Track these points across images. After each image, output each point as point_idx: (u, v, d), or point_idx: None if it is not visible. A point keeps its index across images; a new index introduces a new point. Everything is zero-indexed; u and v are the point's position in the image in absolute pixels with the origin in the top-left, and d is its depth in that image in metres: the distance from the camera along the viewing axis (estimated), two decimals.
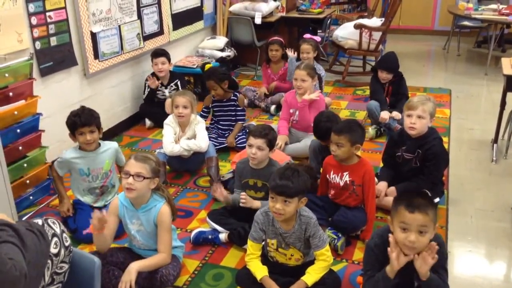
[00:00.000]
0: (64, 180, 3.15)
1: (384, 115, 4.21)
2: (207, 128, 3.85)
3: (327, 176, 2.95)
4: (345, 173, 2.86)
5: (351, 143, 2.79)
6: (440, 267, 2.02)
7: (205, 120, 4.22)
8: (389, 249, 1.98)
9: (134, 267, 2.28)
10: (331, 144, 2.85)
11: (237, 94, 4.22)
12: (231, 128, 4.19)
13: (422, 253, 1.94)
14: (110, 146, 3.11)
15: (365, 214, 2.87)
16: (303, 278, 2.31)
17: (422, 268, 1.94)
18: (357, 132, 2.84)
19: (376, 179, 3.26)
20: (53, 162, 3.15)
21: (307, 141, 3.79)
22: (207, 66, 4.26)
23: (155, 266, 2.37)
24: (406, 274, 1.99)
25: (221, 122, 4.21)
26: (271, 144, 2.82)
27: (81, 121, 2.90)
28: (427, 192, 2.08)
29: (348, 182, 2.86)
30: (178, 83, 4.65)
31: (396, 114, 4.18)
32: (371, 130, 4.32)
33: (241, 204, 2.83)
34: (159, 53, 4.55)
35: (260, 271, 2.35)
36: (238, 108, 4.19)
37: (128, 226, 2.48)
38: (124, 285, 2.21)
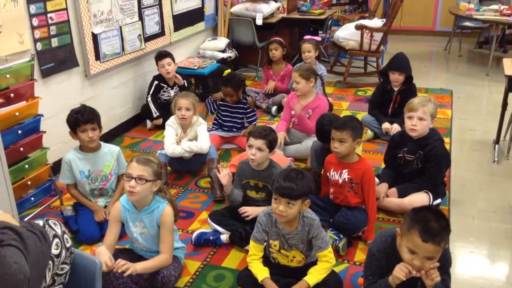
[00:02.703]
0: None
1: (386, 126, 4.17)
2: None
3: (328, 174, 2.95)
4: (344, 171, 2.87)
5: (353, 138, 2.80)
6: (444, 273, 2.01)
7: (214, 113, 4.28)
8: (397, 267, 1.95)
9: (135, 269, 2.27)
10: (333, 141, 2.86)
11: (246, 97, 4.24)
12: (234, 128, 4.19)
13: (435, 271, 1.91)
14: (111, 148, 3.11)
15: (366, 214, 2.86)
16: (305, 278, 2.31)
17: (429, 282, 1.93)
18: (358, 127, 2.86)
19: (377, 180, 3.26)
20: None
21: (308, 142, 3.79)
22: (226, 72, 4.29)
23: (156, 268, 2.37)
24: (408, 281, 1.98)
25: (226, 124, 4.20)
26: (271, 146, 2.81)
27: (83, 118, 2.90)
28: (441, 211, 1.94)
29: (346, 179, 2.86)
30: (185, 83, 4.65)
31: (396, 128, 4.07)
32: (370, 131, 4.31)
33: (246, 219, 2.83)
34: (163, 54, 4.54)
35: (261, 272, 2.34)
36: (248, 110, 4.22)
37: (130, 228, 2.47)
38: (124, 265, 2.19)
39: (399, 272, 1.93)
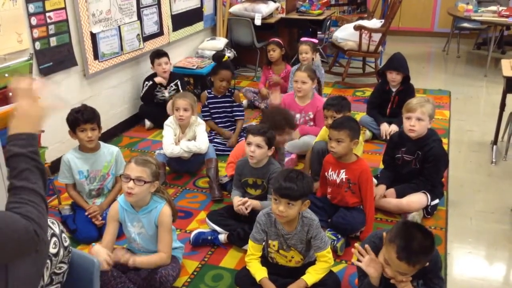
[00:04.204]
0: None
1: (385, 127, 4.17)
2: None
3: (326, 173, 2.96)
4: (342, 171, 2.87)
5: (350, 138, 2.81)
6: (435, 277, 2.02)
7: (208, 120, 4.18)
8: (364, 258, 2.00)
9: (136, 260, 2.29)
10: (330, 141, 2.86)
11: (232, 90, 4.24)
12: (228, 125, 4.19)
13: (401, 285, 1.94)
14: (110, 148, 3.10)
15: (364, 215, 2.87)
16: (303, 277, 2.31)
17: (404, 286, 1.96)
18: (355, 128, 2.86)
19: (375, 181, 3.26)
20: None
21: (306, 138, 3.79)
22: (226, 57, 4.33)
23: (154, 265, 2.37)
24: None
25: (216, 121, 4.19)
26: (270, 143, 2.81)
27: (83, 117, 2.90)
28: (432, 233, 1.94)
29: (344, 179, 2.87)
30: (178, 83, 4.65)
31: (394, 128, 4.08)
32: (368, 132, 4.32)
33: (246, 213, 2.79)
34: (161, 53, 4.55)
35: (259, 272, 2.34)
36: (234, 104, 4.19)
37: (128, 228, 2.47)
38: (123, 256, 2.21)
39: (373, 272, 1.98)
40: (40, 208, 1.39)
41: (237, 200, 2.86)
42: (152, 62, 4.55)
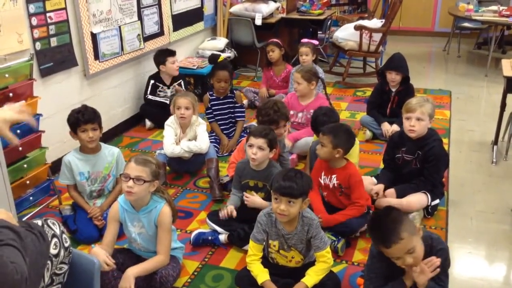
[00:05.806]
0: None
1: (386, 127, 4.17)
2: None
3: (319, 178, 2.95)
4: (333, 176, 2.88)
5: (333, 146, 2.79)
6: (443, 273, 2.02)
7: (213, 121, 4.18)
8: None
9: (132, 273, 2.26)
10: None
11: (234, 91, 4.24)
12: (230, 126, 4.19)
13: (420, 265, 1.95)
14: (111, 150, 3.10)
15: (362, 216, 2.86)
16: (303, 280, 2.31)
17: (420, 278, 1.95)
18: (341, 137, 2.80)
19: (375, 180, 3.26)
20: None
21: (307, 138, 3.79)
22: (221, 58, 4.33)
23: (153, 269, 2.37)
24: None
25: (219, 122, 4.19)
26: (271, 145, 2.81)
27: (84, 117, 2.90)
28: (392, 208, 2.05)
29: (336, 185, 2.87)
30: (182, 83, 4.66)
31: (395, 128, 4.06)
32: (368, 132, 4.32)
33: (246, 203, 2.82)
34: (173, 51, 4.61)
35: (261, 274, 2.34)
36: (236, 105, 4.20)
37: (128, 228, 2.47)
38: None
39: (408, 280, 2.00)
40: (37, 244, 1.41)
41: (230, 208, 2.87)
42: (162, 62, 4.54)
